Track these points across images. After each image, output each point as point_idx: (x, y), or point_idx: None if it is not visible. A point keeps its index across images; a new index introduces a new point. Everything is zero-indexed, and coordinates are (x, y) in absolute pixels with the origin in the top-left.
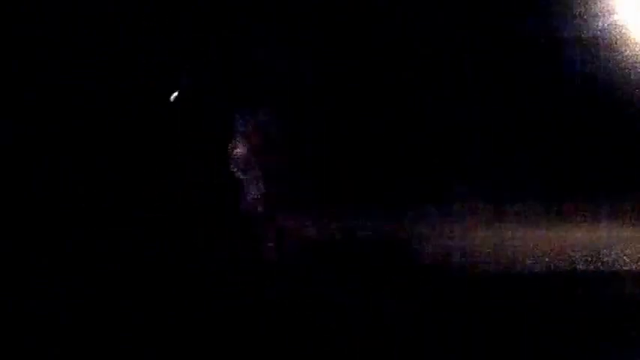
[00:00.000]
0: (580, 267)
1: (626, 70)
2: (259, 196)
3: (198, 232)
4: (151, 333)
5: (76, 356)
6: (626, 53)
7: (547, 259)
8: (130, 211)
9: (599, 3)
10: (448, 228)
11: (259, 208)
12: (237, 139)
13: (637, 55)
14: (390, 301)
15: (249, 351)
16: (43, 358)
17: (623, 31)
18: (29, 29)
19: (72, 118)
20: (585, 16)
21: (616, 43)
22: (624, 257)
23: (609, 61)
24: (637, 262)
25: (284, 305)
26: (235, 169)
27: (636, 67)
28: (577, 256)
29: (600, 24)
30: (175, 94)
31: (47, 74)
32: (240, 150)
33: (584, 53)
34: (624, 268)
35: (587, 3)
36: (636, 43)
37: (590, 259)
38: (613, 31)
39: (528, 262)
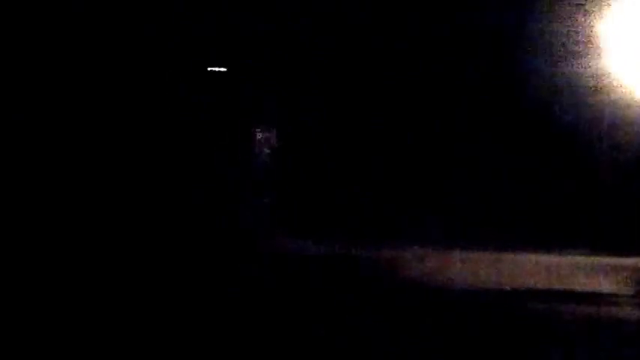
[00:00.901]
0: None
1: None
2: (259, 212)
3: (196, 243)
4: (145, 333)
5: (75, 356)
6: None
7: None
8: (130, 215)
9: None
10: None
11: (258, 225)
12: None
13: None
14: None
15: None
16: (43, 358)
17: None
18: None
19: (72, 118)
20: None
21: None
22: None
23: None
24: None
25: (277, 319)
26: (237, 185)
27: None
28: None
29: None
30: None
31: (45, 74)
32: (241, 165)
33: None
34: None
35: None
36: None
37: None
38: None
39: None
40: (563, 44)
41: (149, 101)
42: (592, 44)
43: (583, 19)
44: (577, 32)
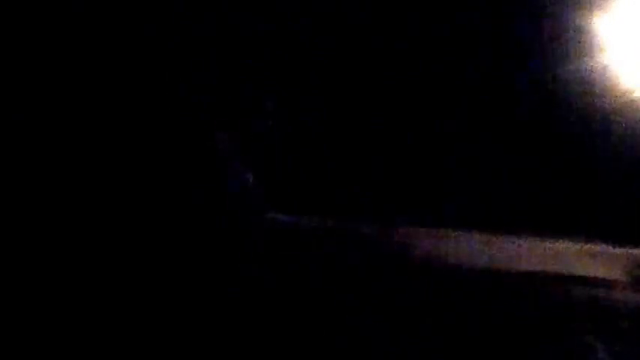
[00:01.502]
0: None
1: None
2: (246, 190)
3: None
4: (142, 332)
5: (75, 356)
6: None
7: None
8: (120, 210)
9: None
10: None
11: (246, 202)
12: (226, 129)
13: None
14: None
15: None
16: (43, 358)
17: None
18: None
19: (69, 118)
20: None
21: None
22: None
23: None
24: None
25: (269, 303)
26: (223, 162)
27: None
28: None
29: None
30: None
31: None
32: (227, 141)
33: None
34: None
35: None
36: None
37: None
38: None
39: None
40: (564, 43)
41: (147, 95)
42: (593, 43)
43: (583, 19)
44: (577, 31)
